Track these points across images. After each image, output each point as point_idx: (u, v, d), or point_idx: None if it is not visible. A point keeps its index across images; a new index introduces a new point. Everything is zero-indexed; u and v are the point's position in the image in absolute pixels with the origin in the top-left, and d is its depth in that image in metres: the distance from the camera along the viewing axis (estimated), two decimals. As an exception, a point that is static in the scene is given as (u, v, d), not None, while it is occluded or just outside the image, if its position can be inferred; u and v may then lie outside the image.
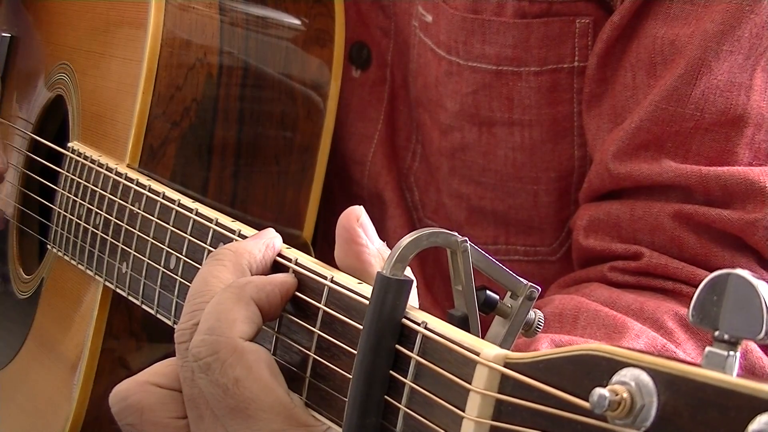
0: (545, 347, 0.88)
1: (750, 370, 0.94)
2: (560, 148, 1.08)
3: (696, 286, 0.94)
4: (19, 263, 1.28)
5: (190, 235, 0.88)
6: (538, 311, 0.66)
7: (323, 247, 1.26)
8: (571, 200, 1.11)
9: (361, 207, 0.71)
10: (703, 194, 0.96)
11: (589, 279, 1.02)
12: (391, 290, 0.62)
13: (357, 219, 0.70)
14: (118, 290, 1.00)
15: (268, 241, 0.76)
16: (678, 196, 0.97)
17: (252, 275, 0.74)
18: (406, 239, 0.63)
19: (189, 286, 0.85)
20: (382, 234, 1.22)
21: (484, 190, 1.11)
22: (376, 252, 0.69)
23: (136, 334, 1.07)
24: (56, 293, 1.16)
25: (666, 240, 0.98)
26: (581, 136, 1.08)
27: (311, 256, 1.12)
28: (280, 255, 0.76)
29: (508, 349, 0.66)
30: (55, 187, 1.17)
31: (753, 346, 0.94)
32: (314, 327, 0.70)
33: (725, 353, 0.51)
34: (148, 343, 1.07)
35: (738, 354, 0.51)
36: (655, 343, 0.90)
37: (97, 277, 1.04)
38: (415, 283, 0.64)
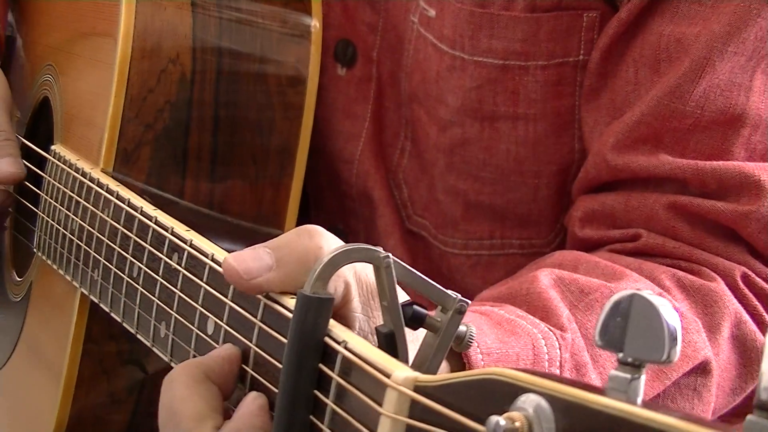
0: (545, 277, 0.90)
1: (741, 340, 0.96)
2: (562, 141, 1.09)
3: (695, 263, 0.95)
4: (11, 266, 1.28)
5: (149, 245, 0.87)
6: (470, 325, 0.65)
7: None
8: (569, 193, 1.11)
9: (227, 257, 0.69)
10: (699, 187, 0.97)
11: None
12: (311, 308, 0.61)
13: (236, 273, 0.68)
14: (91, 297, 1.00)
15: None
16: (673, 188, 0.99)
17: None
18: (326, 257, 0.61)
19: (149, 297, 0.85)
20: (373, 233, 1.22)
21: (482, 185, 1.11)
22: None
23: (116, 338, 1.06)
24: (43, 297, 1.16)
25: (660, 230, 0.99)
26: (581, 129, 1.08)
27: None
28: None
29: (439, 363, 0.65)
30: (37, 191, 1.17)
31: (746, 317, 0.96)
32: (251, 342, 0.69)
33: (629, 377, 0.49)
34: (129, 346, 1.07)
35: (643, 377, 0.49)
36: (652, 290, 0.91)
37: (74, 282, 1.04)
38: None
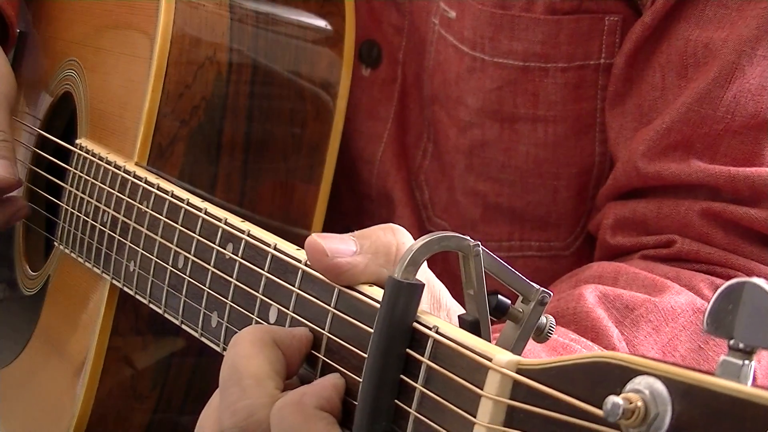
0: (590, 294, 0.90)
1: (766, 375, 0.94)
2: (582, 144, 1.09)
3: (731, 268, 0.95)
4: (25, 259, 1.27)
5: (199, 235, 0.87)
6: (550, 316, 0.66)
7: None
8: (589, 196, 1.12)
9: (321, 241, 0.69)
10: (731, 193, 0.97)
11: None
12: (402, 294, 0.61)
13: (321, 249, 0.68)
14: (125, 289, 0.99)
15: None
16: (705, 194, 0.99)
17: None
18: (418, 243, 0.62)
19: (197, 285, 0.86)
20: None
21: (501, 187, 1.12)
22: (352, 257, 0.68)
23: (142, 332, 1.06)
24: (62, 291, 1.16)
25: (694, 236, 0.99)
26: (603, 133, 1.08)
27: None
28: None
29: (520, 354, 0.66)
30: (62, 184, 1.16)
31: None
32: (324, 330, 0.69)
33: (740, 362, 0.50)
34: (155, 341, 1.07)
35: (753, 363, 0.51)
36: (695, 301, 0.92)
37: (104, 275, 1.04)
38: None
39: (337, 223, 1.25)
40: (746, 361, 0.50)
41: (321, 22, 1.13)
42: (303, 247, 0.71)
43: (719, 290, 0.52)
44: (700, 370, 0.50)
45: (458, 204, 1.15)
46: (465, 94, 1.10)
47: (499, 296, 0.64)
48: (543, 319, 0.65)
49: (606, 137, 1.08)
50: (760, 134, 0.96)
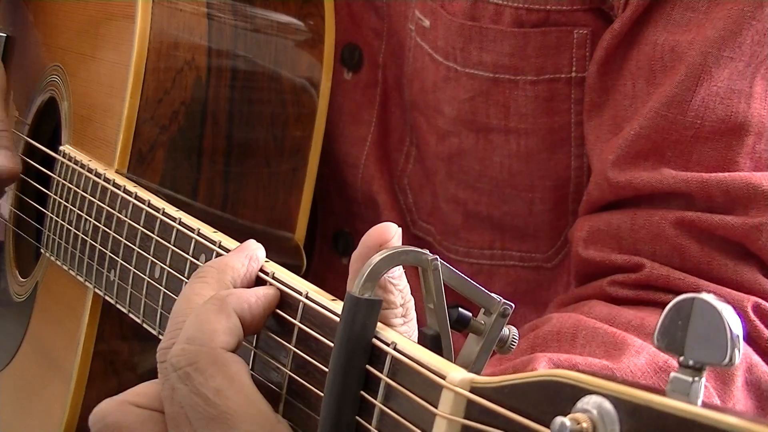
0: (543, 367, 0.86)
1: (756, 385, 0.93)
2: (556, 157, 1.07)
3: None
4: (15, 266, 1.28)
5: (174, 245, 0.87)
6: (512, 327, 0.65)
7: (323, 248, 1.26)
8: (569, 210, 1.10)
9: (397, 229, 0.66)
10: (705, 200, 0.94)
11: (587, 296, 1.00)
12: (360, 310, 0.61)
13: (381, 243, 0.65)
14: (107, 298, 1.00)
15: (251, 254, 0.76)
16: (679, 203, 0.95)
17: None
18: (376, 258, 0.62)
19: (173, 297, 0.86)
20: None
21: (479, 196, 1.11)
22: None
23: (128, 338, 1.06)
24: (50, 297, 1.16)
25: (668, 249, 0.96)
26: (578, 147, 1.07)
27: (302, 258, 1.13)
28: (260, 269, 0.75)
29: (482, 367, 0.66)
30: (47, 192, 1.17)
31: (757, 359, 0.93)
32: (290, 344, 0.69)
33: (690, 379, 0.50)
34: (140, 347, 1.07)
35: (703, 380, 0.50)
36: (656, 359, 0.87)
37: (87, 283, 1.04)
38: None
39: (330, 226, 1.25)
40: (696, 378, 0.50)
41: (301, 23, 1.13)
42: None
43: (669, 305, 0.51)
44: (649, 389, 0.49)
45: (441, 210, 1.15)
46: (441, 102, 1.09)
47: (460, 309, 0.64)
48: (506, 331, 0.65)
49: (582, 152, 1.06)
50: (731, 139, 0.93)
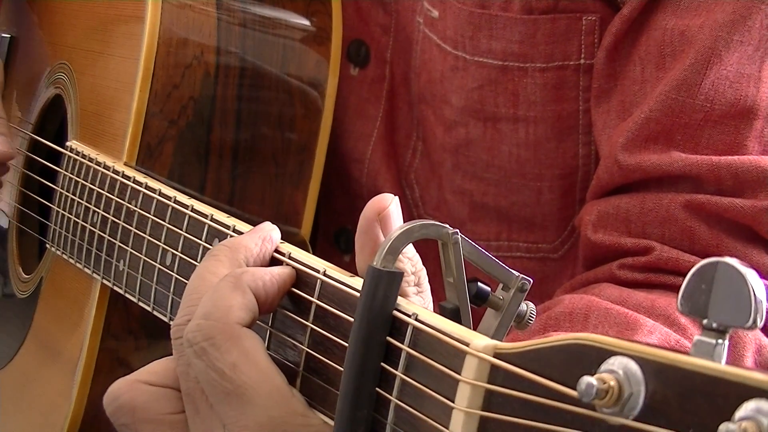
0: None
1: (765, 367, 0.93)
2: (564, 146, 1.08)
3: None
4: (18, 263, 1.28)
5: (186, 232, 0.88)
6: (530, 303, 0.66)
7: (323, 245, 1.26)
8: (576, 199, 1.11)
9: (394, 197, 0.68)
10: (715, 184, 0.95)
11: (597, 279, 1.01)
12: (381, 283, 0.62)
13: (379, 212, 0.67)
14: (115, 288, 1.00)
15: (265, 234, 0.76)
16: (688, 186, 0.97)
17: None
18: (397, 231, 0.63)
19: (185, 283, 0.86)
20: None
21: (487, 186, 1.11)
22: None
23: (134, 332, 1.07)
24: (55, 292, 1.16)
25: (677, 232, 0.97)
26: (586, 135, 1.08)
27: (309, 253, 1.13)
28: (275, 250, 0.76)
29: (501, 341, 0.66)
30: (54, 186, 1.17)
31: (767, 341, 0.93)
32: (307, 321, 0.70)
33: (713, 341, 0.51)
34: (147, 341, 1.07)
35: (726, 342, 0.51)
36: (668, 338, 0.89)
37: (95, 275, 1.04)
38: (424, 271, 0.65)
39: (331, 223, 1.25)
40: (720, 341, 0.51)
41: (308, 21, 1.14)
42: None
43: (692, 270, 0.52)
44: (673, 349, 0.50)
45: (447, 202, 1.15)
46: (449, 93, 1.10)
47: (479, 284, 0.65)
48: (523, 306, 0.66)
49: (590, 140, 1.07)
50: (741, 123, 0.95)
